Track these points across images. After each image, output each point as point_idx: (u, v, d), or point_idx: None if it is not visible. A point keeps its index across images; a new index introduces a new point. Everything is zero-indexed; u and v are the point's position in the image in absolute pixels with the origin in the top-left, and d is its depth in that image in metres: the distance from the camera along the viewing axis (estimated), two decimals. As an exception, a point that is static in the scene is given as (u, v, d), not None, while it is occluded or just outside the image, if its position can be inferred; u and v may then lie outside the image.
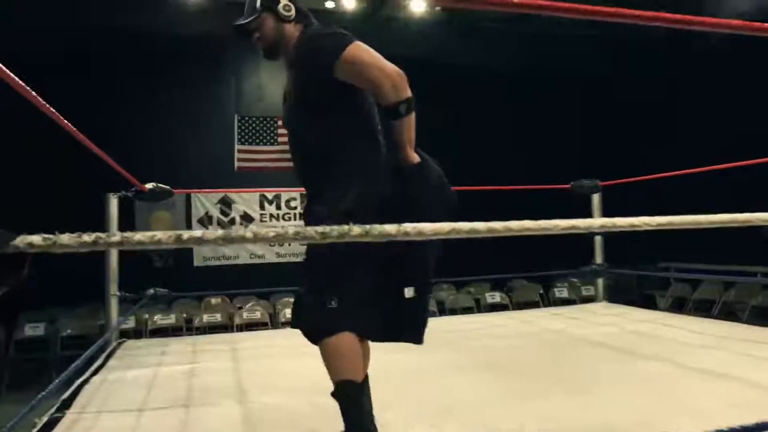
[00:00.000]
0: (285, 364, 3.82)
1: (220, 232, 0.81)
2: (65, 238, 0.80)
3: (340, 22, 8.78)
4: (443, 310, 8.49)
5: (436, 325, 5.17)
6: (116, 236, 0.79)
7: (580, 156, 10.57)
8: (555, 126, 10.73)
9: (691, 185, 6.79)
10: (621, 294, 7.98)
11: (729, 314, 7.94)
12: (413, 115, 2.06)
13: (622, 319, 5.23)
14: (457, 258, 6.10)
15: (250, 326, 7.26)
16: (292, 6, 2.19)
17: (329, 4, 7.92)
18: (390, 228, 0.89)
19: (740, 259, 8.50)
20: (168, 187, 4.84)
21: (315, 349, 2.07)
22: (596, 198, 6.11)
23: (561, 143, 10.70)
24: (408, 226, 0.92)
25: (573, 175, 6.15)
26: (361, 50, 2.03)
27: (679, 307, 8.83)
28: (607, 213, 6.15)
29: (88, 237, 0.81)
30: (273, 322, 7.75)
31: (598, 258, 6.15)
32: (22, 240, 0.79)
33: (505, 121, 10.34)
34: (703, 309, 8.25)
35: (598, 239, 6.18)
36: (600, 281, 6.29)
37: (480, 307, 8.72)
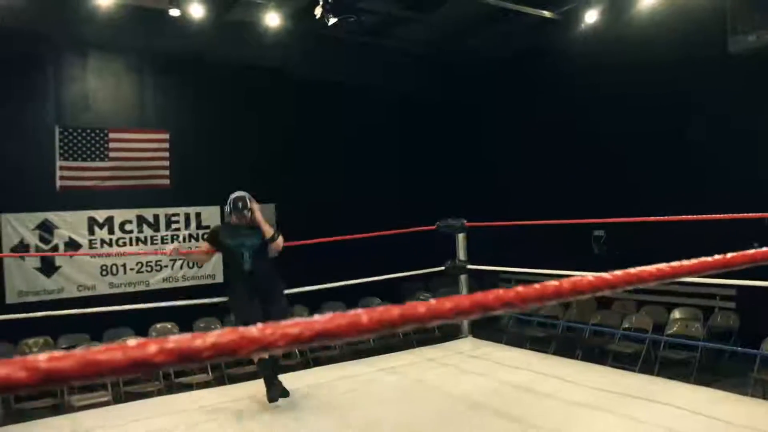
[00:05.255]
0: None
1: None
2: None
3: (187, 29, 8.00)
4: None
5: (307, 383, 4.81)
6: None
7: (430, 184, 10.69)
8: (401, 143, 10.71)
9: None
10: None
11: (569, 330, 8.46)
12: None
13: (493, 366, 5.24)
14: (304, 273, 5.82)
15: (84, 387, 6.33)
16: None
17: (174, 12, 7.06)
18: None
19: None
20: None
21: None
22: (461, 237, 6.10)
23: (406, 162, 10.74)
24: None
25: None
26: None
27: (527, 322, 9.17)
28: (470, 251, 6.19)
29: None
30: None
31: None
32: None
33: (353, 134, 10.12)
34: (549, 325, 8.70)
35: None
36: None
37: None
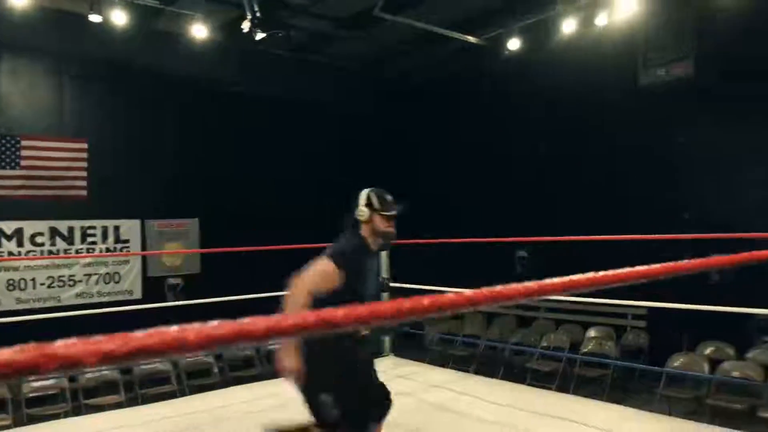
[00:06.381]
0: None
1: None
2: None
3: (110, 36, 7.74)
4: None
5: (225, 403, 4.67)
6: None
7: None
8: (323, 155, 10.69)
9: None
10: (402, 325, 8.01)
11: (491, 348, 8.59)
12: None
13: (413, 385, 5.26)
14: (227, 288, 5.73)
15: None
16: None
17: (95, 18, 6.81)
18: None
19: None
20: None
21: None
22: (383, 255, 6.10)
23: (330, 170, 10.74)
24: None
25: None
26: None
27: (450, 341, 9.24)
28: (396, 268, 6.21)
29: None
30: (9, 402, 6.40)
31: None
32: None
33: (281, 148, 10.01)
34: (471, 344, 8.81)
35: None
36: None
37: (260, 354, 8.27)
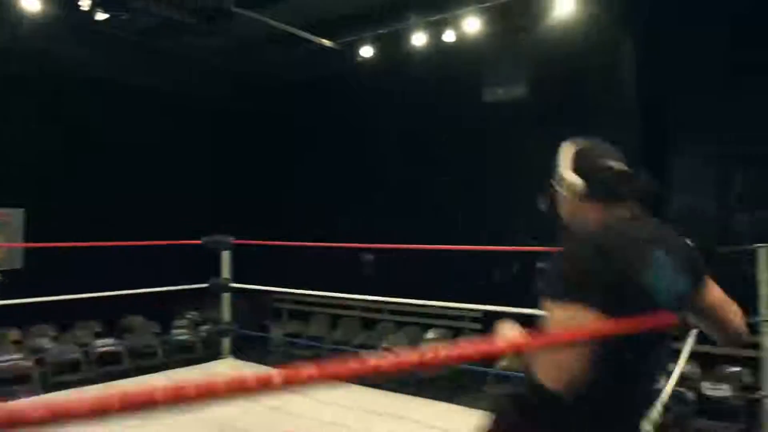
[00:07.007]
0: None
1: None
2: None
3: None
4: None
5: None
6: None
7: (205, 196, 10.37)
8: (179, 144, 10.21)
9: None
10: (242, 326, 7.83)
11: (335, 350, 8.69)
12: None
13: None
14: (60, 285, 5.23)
15: None
16: None
17: None
18: None
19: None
20: None
21: None
22: (226, 255, 5.94)
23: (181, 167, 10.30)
24: None
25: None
26: None
27: (294, 343, 9.23)
28: (236, 270, 6.06)
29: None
30: None
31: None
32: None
33: (121, 136, 9.38)
34: (315, 347, 8.85)
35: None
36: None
37: (89, 357, 7.70)
